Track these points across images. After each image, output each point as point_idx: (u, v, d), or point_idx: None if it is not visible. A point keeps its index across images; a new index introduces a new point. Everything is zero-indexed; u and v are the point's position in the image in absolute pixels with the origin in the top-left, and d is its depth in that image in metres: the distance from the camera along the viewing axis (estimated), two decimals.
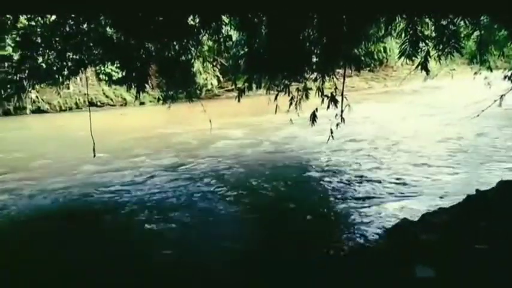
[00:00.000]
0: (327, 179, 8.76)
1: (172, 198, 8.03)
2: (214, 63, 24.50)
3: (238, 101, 6.20)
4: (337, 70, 6.36)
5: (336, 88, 6.04)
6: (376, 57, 28.60)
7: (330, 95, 5.81)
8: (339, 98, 5.80)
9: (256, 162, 10.47)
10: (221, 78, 25.39)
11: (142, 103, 22.92)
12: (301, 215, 6.75)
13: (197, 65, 19.56)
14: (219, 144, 12.75)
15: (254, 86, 6.32)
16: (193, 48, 6.34)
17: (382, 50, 28.06)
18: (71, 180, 9.53)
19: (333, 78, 6.19)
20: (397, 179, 8.39)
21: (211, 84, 24.99)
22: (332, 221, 6.67)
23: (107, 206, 7.76)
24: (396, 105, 19.98)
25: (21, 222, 7.11)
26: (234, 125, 15.42)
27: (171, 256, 5.57)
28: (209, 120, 7.16)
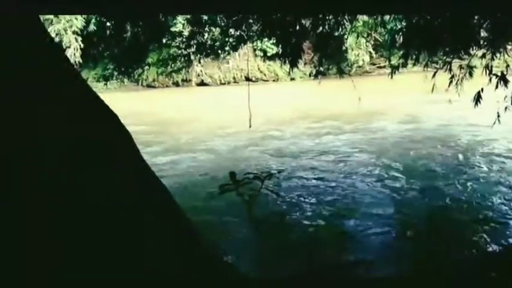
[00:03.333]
0: None
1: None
2: (368, 39, 23.70)
3: (391, 77, 5.98)
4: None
5: (508, 66, 5.43)
6: None
7: (500, 73, 5.24)
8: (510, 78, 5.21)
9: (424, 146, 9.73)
10: (373, 54, 24.50)
11: (292, 79, 23.44)
12: None
13: (350, 40, 19.16)
14: (379, 123, 12.16)
15: (410, 62, 6.03)
16: (347, 23, 6.28)
17: None
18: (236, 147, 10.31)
19: (504, 54, 5.57)
20: None
21: (363, 60, 24.28)
22: None
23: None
24: None
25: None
26: (390, 105, 14.71)
27: None
28: (358, 98, 7.05)
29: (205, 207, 6.07)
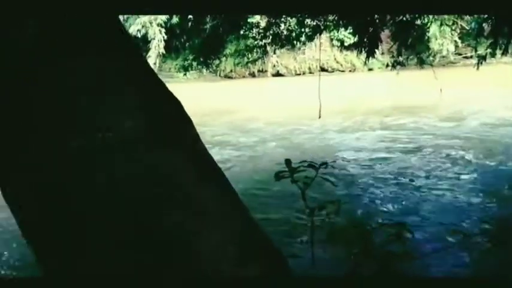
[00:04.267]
0: None
1: None
2: (453, 27, 22.34)
3: (477, 68, 5.66)
4: None
5: None
6: None
7: None
8: None
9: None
10: (459, 44, 23.06)
11: (370, 69, 22.79)
12: None
13: (433, 29, 18.19)
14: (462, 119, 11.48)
15: (498, 52, 5.65)
16: None
17: None
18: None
19: None
20: None
21: (447, 50, 22.94)
22: None
23: None
24: None
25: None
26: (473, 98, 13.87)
27: None
28: (440, 89, 6.75)
29: (261, 193, 6.31)
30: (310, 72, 24.38)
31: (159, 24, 20.24)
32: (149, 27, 19.94)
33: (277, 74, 24.56)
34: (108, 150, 1.02)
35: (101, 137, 1.00)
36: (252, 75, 24.31)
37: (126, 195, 1.03)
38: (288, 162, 1.46)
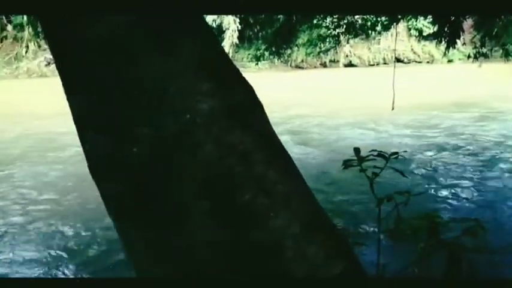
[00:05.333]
0: None
1: None
2: None
3: None
4: None
5: None
6: None
7: None
8: None
9: None
10: None
11: (450, 60, 21.63)
12: None
13: None
14: None
15: None
16: None
17: None
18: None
19: None
20: None
21: None
22: None
23: None
24: None
25: None
26: None
27: None
28: None
29: (328, 181, 6.33)
30: (385, 63, 23.62)
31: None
32: (224, 17, 20.33)
33: (350, 65, 24.05)
34: (190, 131, 1.11)
35: (187, 118, 1.09)
36: (324, 65, 24.01)
37: (206, 173, 1.11)
38: (356, 150, 1.47)
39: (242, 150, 1.13)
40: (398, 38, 22.69)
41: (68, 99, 1.31)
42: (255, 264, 1.10)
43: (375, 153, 1.46)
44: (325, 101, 14.03)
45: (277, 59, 17.86)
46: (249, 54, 22.87)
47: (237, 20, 20.53)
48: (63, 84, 1.32)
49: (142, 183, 1.18)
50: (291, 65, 24.05)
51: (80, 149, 1.31)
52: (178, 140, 1.11)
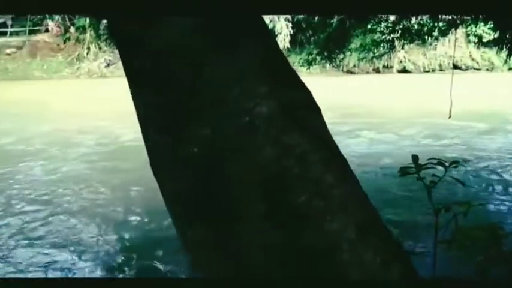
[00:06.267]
0: None
1: None
2: None
3: None
4: None
5: None
6: None
7: None
8: None
9: None
10: None
11: (510, 68, 20.58)
12: None
13: None
14: None
15: None
16: None
17: None
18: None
19: None
20: None
21: None
22: None
23: None
24: None
25: None
26: None
27: None
28: None
29: (384, 188, 6.19)
30: (441, 70, 22.82)
31: (286, 19, 20.62)
32: (277, 21, 20.43)
33: (404, 70, 23.41)
34: (249, 133, 1.14)
35: (246, 120, 1.12)
36: (376, 70, 23.53)
37: (264, 175, 1.13)
38: (415, 158, 1.44)
39: (299, 153, 1.14)
40: (457, 44, 21.86)
41: (133, 98, 1.37)
42: (310, 267, 1.11)
43: (434, 161, 1.43)
44: (378, 107, 13.75)
45: (329, 64, 17.72)
46: (300, 58, 22.81)
47: (290, 25, 20.56)
48: (130, 85, 1.38)
49: (201, 183, 1.22)
50: (342, 70, 23.73)
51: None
52: (237, 142, 1.14)
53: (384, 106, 14.00)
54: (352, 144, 9.15)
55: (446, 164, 1.43)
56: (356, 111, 13.22)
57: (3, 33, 23.58)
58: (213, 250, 1.27)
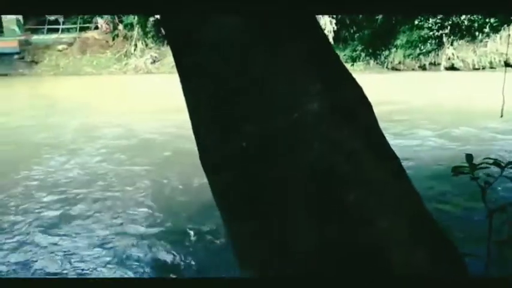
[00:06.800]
0: None
1: None
2: None
3: None
4: None
5: None
6: None
7: None
8: None
9: None
10: None
11: None
12: None
13: None
14: None
15: None
16: None
17: None
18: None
19: None
20: None
21: None
22: None
23: None
24: None
25: None
26: None
27: None
28: None
29: (437, 188, 5.97)
30: (491, 67, 21.86)
31: (330, 15, 20.36)
32: (320, 18, 20.21)
33: (452, 68, 22.60)
34: (298, 129, 1.15)
35: (296, 116, 1.13)
36: (423, 67, 22.83)
37: (313, 171, 1.14)
38: (469, 157, 1.40)
39: (350, 149, 1.14)
40: (509, 41, 20.84)
41: (185, 95, 1.41)
42: (358, 264, 1.11)
43: (490, 161, 1.38)
44: (425, 105, 13.37)
45: (373, 61, 17.37)
46: (344, 55, 22.46)
47: (333, 21, 20.31)
48: (181, 80, 1.42)
49: (249, 178, 1.24)
50: (387, 67, 23.19)
51: None
52: (287, 138, 1.15)
53: (431, 104, 13.60)
54: (398, 144, 8.95)
55: (503, 164, 1.38)
56: (401, 108, 12.92)
57: (55, 30, 24.63)
58: (258, 244, 1.28)
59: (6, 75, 22.33)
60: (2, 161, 8.29)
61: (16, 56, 23.47)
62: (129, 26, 22.84)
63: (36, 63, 23.53)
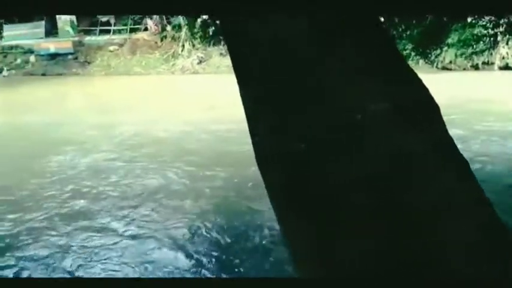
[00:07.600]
0: None
1: None
2: None
3: None
4: None
5: None
6: None
7: None
8: None
9: None
10: None
11: None
12: None
13: None
14: None
15: None
16: None
17: None
18: None
19: None
20: None
21: None
22: None
23: None
24: None
25: None
26: None
27: None
28: None
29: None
30: None
31: None
32: None
33: (506, 67, 21.45)
34: (360, 130, 1.14)
35: (358, 118, 1.12)
36: (475, 67, 21.79)
37: (375, 171, 1.13)
38: None
39: (414, 152, 1.11)
40: None
41: (241, 95, 1.44)
42: (419, 270, 1.07)
43: None
44: (479, 106, 12.82)
45: (423, 60, 16.82)
46: None
47: (381, 19, 19.78)
48: (238, 81, 1.45)
49: (305, 177, 1.24)
50: (436, 66, 22.34)
51: None
52: (348, 139, 1.14)
53: (485, 104, 13.02)
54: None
55: None
56: (454, 110, 12.45)
57: (107, 32, 25.50)
58: (311, 242, 1.28)
59: (61, 74, 23.39)
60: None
61: (70, 57, 24.50)
62: (177, 27, 23.29)
63: (89, 63, 24.45)
